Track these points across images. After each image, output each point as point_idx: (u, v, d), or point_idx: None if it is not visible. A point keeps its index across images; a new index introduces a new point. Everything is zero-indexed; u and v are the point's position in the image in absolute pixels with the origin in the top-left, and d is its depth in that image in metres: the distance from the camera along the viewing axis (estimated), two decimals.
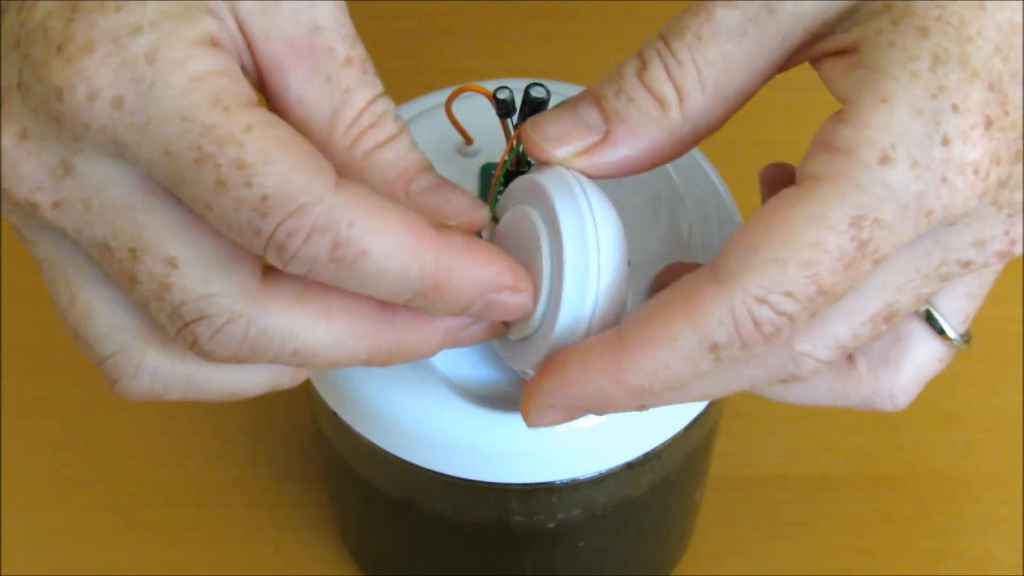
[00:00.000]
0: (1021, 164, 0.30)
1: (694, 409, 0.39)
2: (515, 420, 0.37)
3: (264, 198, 0.29)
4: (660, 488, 0.42)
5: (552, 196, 0.33)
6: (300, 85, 0.32)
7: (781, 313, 0.30)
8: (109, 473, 0.53)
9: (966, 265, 0.32)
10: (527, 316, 0.33)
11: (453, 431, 0.37)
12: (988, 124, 0.29)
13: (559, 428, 0.37)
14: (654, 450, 0.39)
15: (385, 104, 0.33)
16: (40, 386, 0.54)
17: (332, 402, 0.39)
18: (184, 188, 0.30)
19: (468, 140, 0.39)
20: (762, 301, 0.30)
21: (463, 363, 0.37)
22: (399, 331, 0.33)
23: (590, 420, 0.37)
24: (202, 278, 0.31)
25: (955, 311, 0.35)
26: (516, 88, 0.36)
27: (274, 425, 0.54)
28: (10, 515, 0.52)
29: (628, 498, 0.41)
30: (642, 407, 0.33)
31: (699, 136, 0.33)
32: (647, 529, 0.45)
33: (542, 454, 0.37)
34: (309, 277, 0.31)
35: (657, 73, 0.32)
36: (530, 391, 0.33)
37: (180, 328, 0.31)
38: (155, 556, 0.51)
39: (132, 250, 0.31)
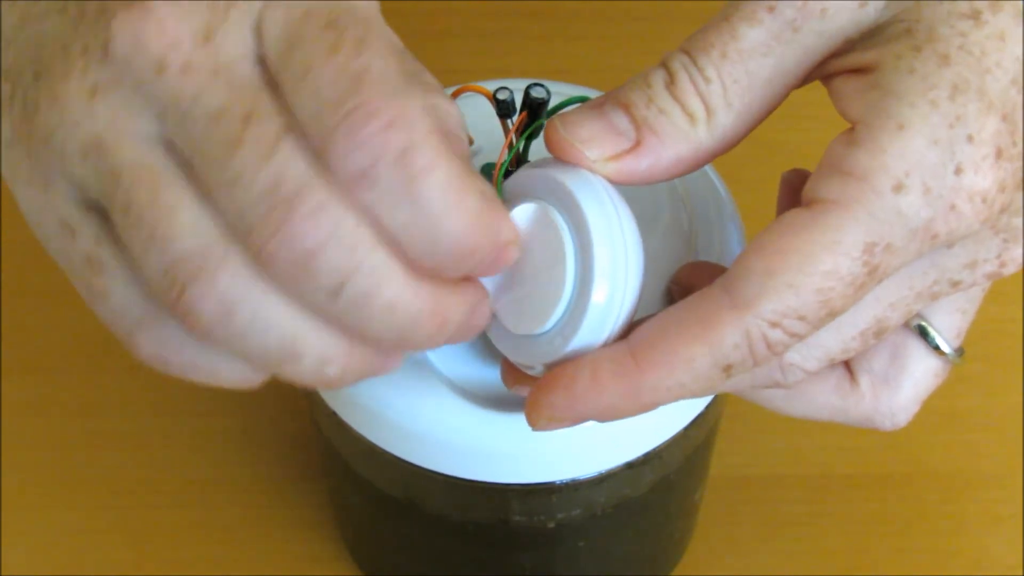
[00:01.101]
0: (1022, 191, 0.31)
1: (694, 409, 0.39)
2: (515, 420, 0.37)
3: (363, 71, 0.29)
4: (660, 488, 0.42)
5: (581, 200, 0.33)
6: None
7: (793, 335, 0.31)
8: (109, 473, 0.53)
9: (955, 285, 0.32)
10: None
11: (453, 431, 0.37)
12: (999, 154, 0.30)
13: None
14: (654, 450, 0.39)
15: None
16: (40, 386, 0.54)
17: (332, 402, 0.39)
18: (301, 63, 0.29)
19: (469, 140, 0.39)
20: (775, 325, 0.31)
21: (463, 363, 0.37)
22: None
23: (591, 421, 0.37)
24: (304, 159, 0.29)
25: (948, 326, 0.35)
26: (516, 88, 0.36)
27: (274, 425, 0.54)
28: (10, 515, 0.52)
29: (628, 498, 0.41)
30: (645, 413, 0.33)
31: (720, 151, 0.33)
32: (647, 529, 0.45)
33: (542, 454, 0.37)
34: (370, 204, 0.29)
35: (686, 87, 0.32)
36: (538, 402, 0.33)
37: (270, 209, 0.29)
38: (155, 556, 0.51)
39: (247, 115, 0.29)
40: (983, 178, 0.30)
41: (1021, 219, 0.32)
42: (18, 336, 0.55)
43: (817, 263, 0.30)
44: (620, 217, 0.33)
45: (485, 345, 0.37)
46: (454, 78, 0.41)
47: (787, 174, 0.36)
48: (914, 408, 0.36)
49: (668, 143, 0.33)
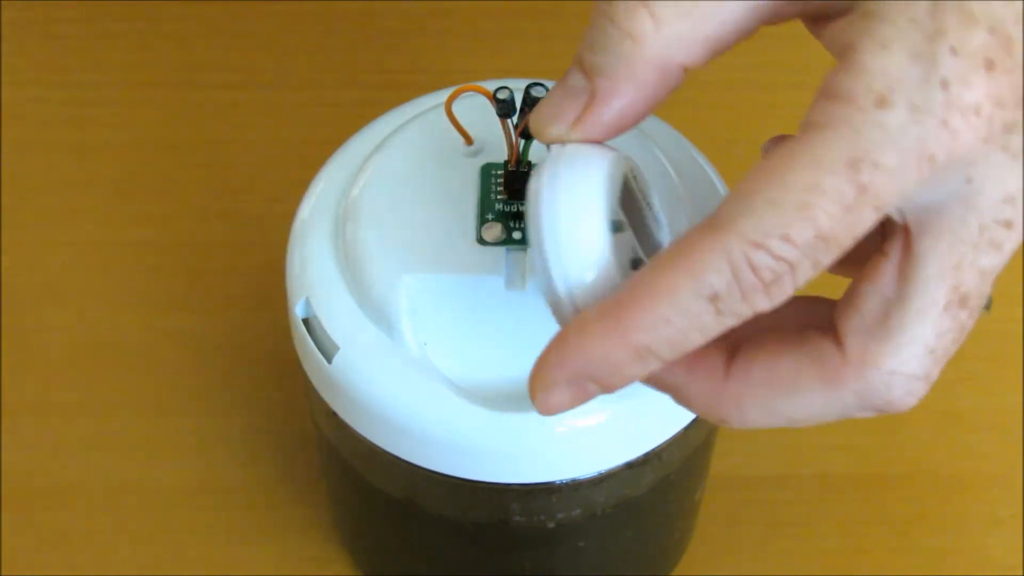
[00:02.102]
0: None
1: None
2: (515, 420, 0.37)
3: None
4: (660, 488, 0.42)
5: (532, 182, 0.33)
6: None
7: (779, 258, 0.29)
8: (109, 473, 0.53)
9: (1008, 225, 0.31)
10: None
11: (453, 431, 0.37)
12: (989, 66, 0.29)
13: (559, 428, 0.37)
14: (654, 450, 0.39)
15: None
16: (40, 386, 0.54)
17: (332, 402, 0.39)
18: None
19: (468, 140, 0.39)
20: (759, 246, 0.29)
21: (463, 363, 0.37)
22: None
23: (591, 418, 0.37)
24: None
25: None
26: (516, 88, 0.37)
27: (274, 425, 0.54)
28: (10, 515, 0.52)
29: (628, 498, 0.41)
30: (650, 374, 0.32)
31: (691, 60, 0.32)
32: (647, 529, 0.45)
33: (542, 454, 0.37)
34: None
35: (627, 6, 0.31)
36: (533, 371, 0.32)
37: None
38: (155, 556, 0.51)
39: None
40: (972, 91, 0.29)
41: None
42: (18, 336, 0.55)
43: (798, 179, 0.29)
44: (552, 186, 0.32)
45: (486, 345, 0.37)
46: (454, 78, 0.41)
47: (767, 143, 0.34)
48: (922, 368, 0.32)
49: (619, 78, 0.32)
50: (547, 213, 0.32)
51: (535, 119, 0.34)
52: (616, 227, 0.33)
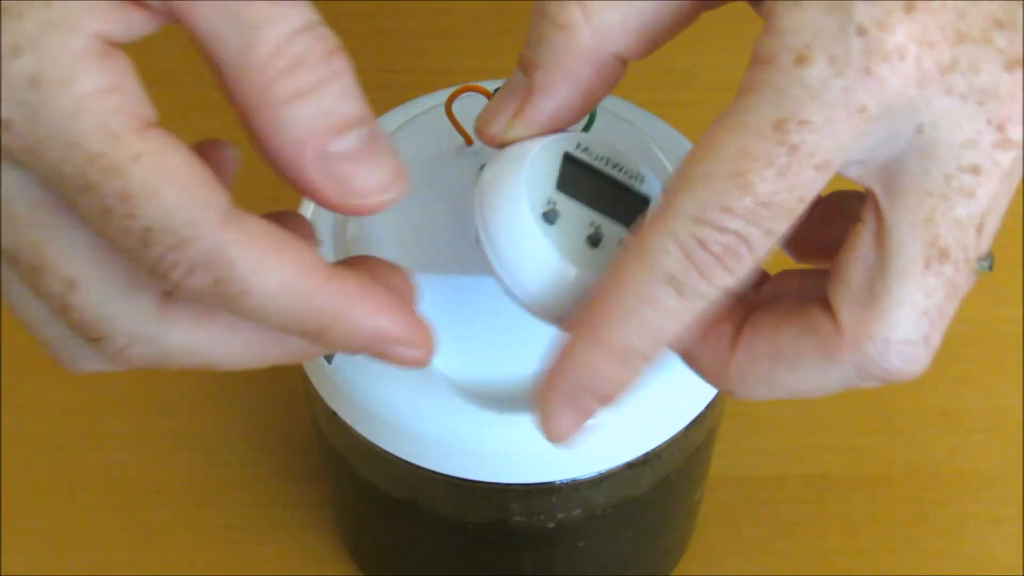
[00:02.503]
0: (970, 45, 0.29)
1: (694, 409, 0.39)
2: (515, 420, 0.37)
3: (148, 230, 0.29)
4: (660, 488, 0.42)
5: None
6: (207, 23, 0.29)
7: (724, 230, 0.29)
8: (109, 473, 0.53)
9: (975, 171, 0.30)
10: (415, 364, 0.32)
11: (453, 431, 0.37)
12: (909, 8, 0.29)
13: None
14: (654, 450, 0.39)
15: (307, 42, 0.29)
16: (40, 386, 0.54)
17: (332, 402, 0.39)
18: (76, 209, 0.29)
19: (468, 140, 0.39)
20: (700, 221, 0.29)
21: (464, 363, 0.37)
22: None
23: (591, 419, 0.37)
24: (101, 300, 0.31)
25: None
26: None
27: (274, 425, 0.54)
28: (10, 515, 0.52)
29: (628, 498, 0.41)
30: (637, 374, 0.31)
31: (622, 49, 0.32)
32: (647, 529, 0.45)
33: (542, 454, 0.37)
34: (197, 303, 0.30)
35: (560, 2, 0.31)
36: (533, 403, 0.32)
37: (86, 340, 0.31)
38: (155, 556, 0.51)
39: (34, 267, 0.30)
40: (892, 33, 0.28)
41: (986, 75, 0.29)
42: (18, 336, 0.55)
43: (726, 146, 0.29)
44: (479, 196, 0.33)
45: (486, 345, 0.37)
46: (454, 78, 0.41)
47: None
48: (917, 332, 0.32)
49: (553, 68, 0.32)
50: (482, 223, 0.32)
51: (478, 121, 0.33)
52: (550, 217, 0.32)
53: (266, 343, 0.32)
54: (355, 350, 0.32)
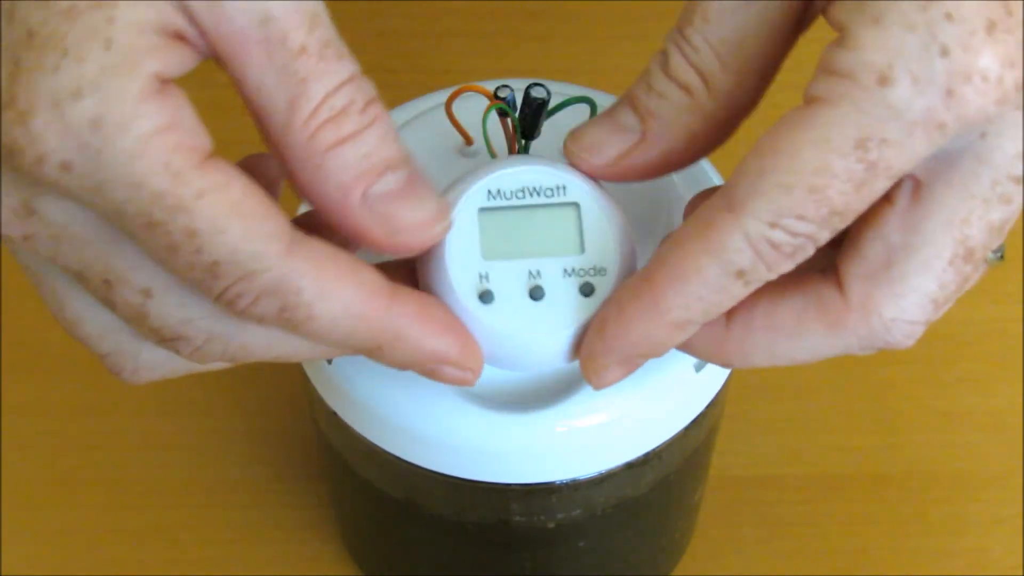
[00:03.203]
0: None
1: (694, 409, 0.39)
2: (515, 420, 0.37)
3: (215, 264, 0.29)
4: (660, 488, 0.42)
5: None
6: (256, 74, 0.30)
7: (796, 234, 0.30)
8: (109, 473, 0.53)
9: (1019, 180, 0.31)
10: (462, 383, 0.34)
11: (453, 431, 0.37)
12: (991, 28, 0.29)
13: (559, 428, 0.37)
14: (654, 450, 0.39)
15: (351, 95, 0.31)
16: (40, 386, 0.54)
17: (332, 402, 0.39)
18: (139, 244, 0.30)
19: (468, 140, 0.39)
20: (775, 225, 0.30)
21: None
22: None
23: (591, 418, 0.37)
24: (178, 303, 0.31)
25: None
26: (516, 88, 0.36)
27: (274, 425, 0.54)
28: (10, 515, 0.52)
29: (628, 498, 0.41)
30: (689, 336, 0.33)
31: (737, 114, 0.33)
32: (647, 529, 0.45)
33: (542, 454, 0.37)
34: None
35: (678, 62, 0.32)
36: (583, 358, 0.34)
37: (161, 342, 0.32)
38: (155, 556, 0.51)
39: (106, 281, 0.31)
40: (976, 56, 0.29)
41: None
42: (18, 336, 0.55)
43: (807, 161, 0.30)
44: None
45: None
46: (454, 78, 0.41)
47: (694, 199, 0.35)
48: (923, 315, 0.33)
49: (674, 123, 0.33)
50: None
51: (576, 143, 0.34)
52: (486, 298, 0.34)
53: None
54: (410, 368, 0.33)
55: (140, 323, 0.31)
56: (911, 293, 0.32)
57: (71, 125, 0.28)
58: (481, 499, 0.40)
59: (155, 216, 0.29)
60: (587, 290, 0.34)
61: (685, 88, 0.32)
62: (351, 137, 0.31)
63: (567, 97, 0.37)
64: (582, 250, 0.34)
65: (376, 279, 0.32)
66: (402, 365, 0.33)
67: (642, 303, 0.32)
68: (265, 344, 0.32)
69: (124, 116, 0.28)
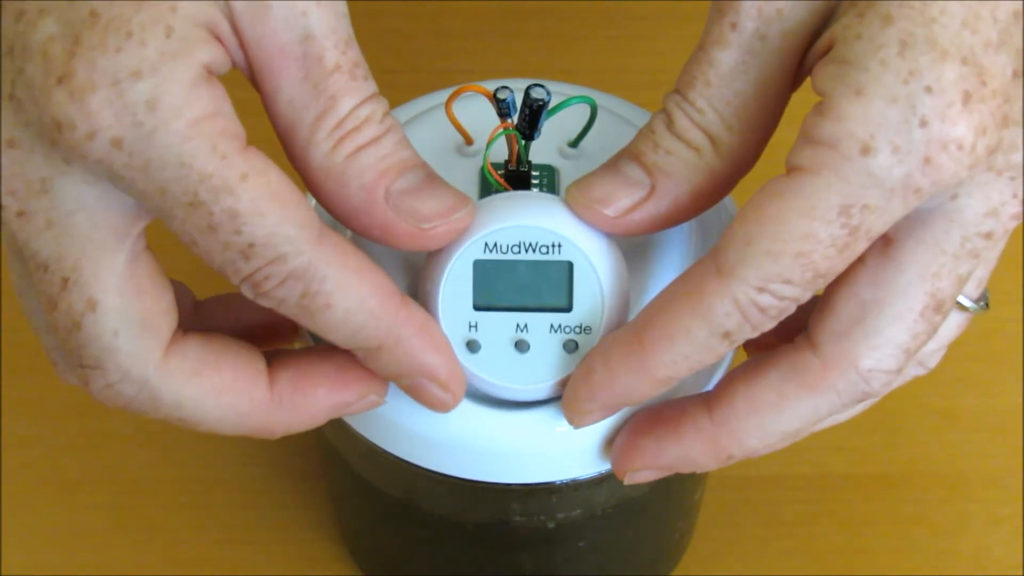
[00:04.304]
0: (1012, 127, 0.31)
1: None
2: (515, 420, 0.37)
3: (251, 245, 0.31)
4: (660, 488, 0.41)
5: None
6: (289, 88, 0.32)
7: (783, 298, 0.32)
8: (109, 473, 0.53)
9: (988, 236, 0.32)
10: (440, 406, 0.35)
11: (453, 431, 0.37)
12: (966, 99, 0.30)
13: (559, 428, 0.37)
14: None
15: (372, 107, 0.33)
16: (40, 386, 0.54)
17: None
18: (173, 223, 0.31)
19: (468, 140, 0.39)
20: (762, 290, 0.31)
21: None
22: (285, 412, 0.35)
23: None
24: (112, 330, 0.32)
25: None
26: (516, 88, 0.36)
27: None
28: (10, 515, 0.52)
29: (628, 498, 0.41)
30: (654, 470, 0.36)
31: (741, 171, 0.34)
32: (647, 529, 0.45)
33: (542, 454, 0.37)
34: (274, 310, 0.32)
35: (684, 123, 0.33)
36: (566, 400, 0.35)
37: (75, 366, 0.33)
38: (155, 556, 0.51)
39: (64, 279, 0.31)
40: (953, 126, 0.30)
41: (1021, 152, 0.31)
42: (18, 336, 0.55)
43: (794, 229, 0.31)
44: None
45: None
46: (454, 78, 0.41)
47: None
48: (940, 353, 0.36)
49: (682, 179, 0.34)
50: None
51: (582, 194, 0.35)
52: (473, 347, 0.35)
53: (243, 413, 0.34)
54: (398, 376, 0.34)
55: (68, 335, 0.32)
56: (885, 345, 0.33)
57: (128, 104, 0.29)
58: (481, 499, 0.40)
59: (200, 196, 0.30)
60: (570, 347, 0.35)
61: (693, 147, 0.34)
62: (371, 143, 0.33)
63: (567, 97, 0.38)
64: (570, 308, 0.35)
65: (390, 283, 0.33)
66: (393, 372, 0.34)
67: (630, 360, 0.33)
68: (180, 401, 0.33)
69: (178, 100, 0.30)
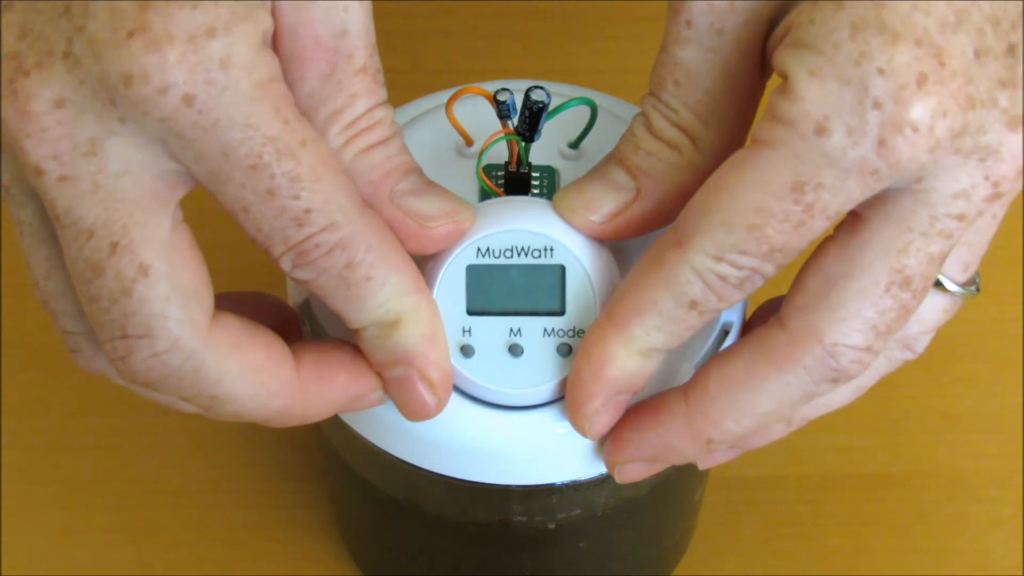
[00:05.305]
0: (979, 109, 0.31)
1: None
2: (516, 421, 0.37)
3: (307, 211, 0.31)
4: (660, 489, 0.42)
5: None
6: (312, 81, 0.32)
7: (741, 267, 0.32)
8: (109, 473, 0.53)
9: (960, 218, 0.32)
10: (420, 411, 0.35)
11: (453, 432, 0.37)
12: (921, 81, 0.30)
13: (559, 429, 0.37)
14: None
15: (384, 112, 0.34)
16: (40, 386, 0.54)
17: None
18: (228, 187, 0.31)
19: (468, 141, 0.39)
20: (719, 259, 0.32)
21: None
22: (306, 397, 0.35)
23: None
24: (164, 296, 0.31)
25: (951, 261, 0.35)
26: (516, 89, 0.37)
27: None
28: (10, 515, 0.52)
29: (628, 499, 0.41)
30: (645, 467, 0.36)
31: (722, 163, 0.34)
32: (647, 530, 0.45)
33: (543, 455, 0.37)
34: (308, 286, 0.32)
35: (661, 123, 0.34)
36: (569, 412, 0.35)
37: (116, 338, 0.32)
38: (155, 556, 0.51)
39: (114, 244, 0.31)
40: (906, 108, 0.30)
41: (992, 135, 0.31)
42: (18, 336, 0.55)
43: (747, 202, 0.31)
44: None
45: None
46: (454, 78, 0.41)
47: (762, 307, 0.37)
48: (927, 338, 0.35)
49: (666, 179, 0.34)
50: None
51: (568, 201, 0.35)
52: (467, 352, 0.35)
53: (273, 393, 0.34)
54: (392, 363, 0.34)
55: (114, 303, 0.31)
56: (850, 319, 0.33)
57: (203, 60, 0.29)
58: (481, 500, 0.40)
59: (264, 159, 0.30)
60: (564, 351, 0.35)
61: (673, 146, 0.34)
62: (379, 143, 0.33)
63: (567, 98, 0.38)
64: (563, 311, 0.35)
65: (416, 267, 0.34)
66: (395, 356, 0.34)
67: (607, 340, 0.34)
68: (221, 374, 0.33)
69: (248, 60, 0.30)
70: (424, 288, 0.34)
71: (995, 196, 0.32)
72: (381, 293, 0.33)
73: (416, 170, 0.34)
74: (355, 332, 0.34)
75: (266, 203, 0.31)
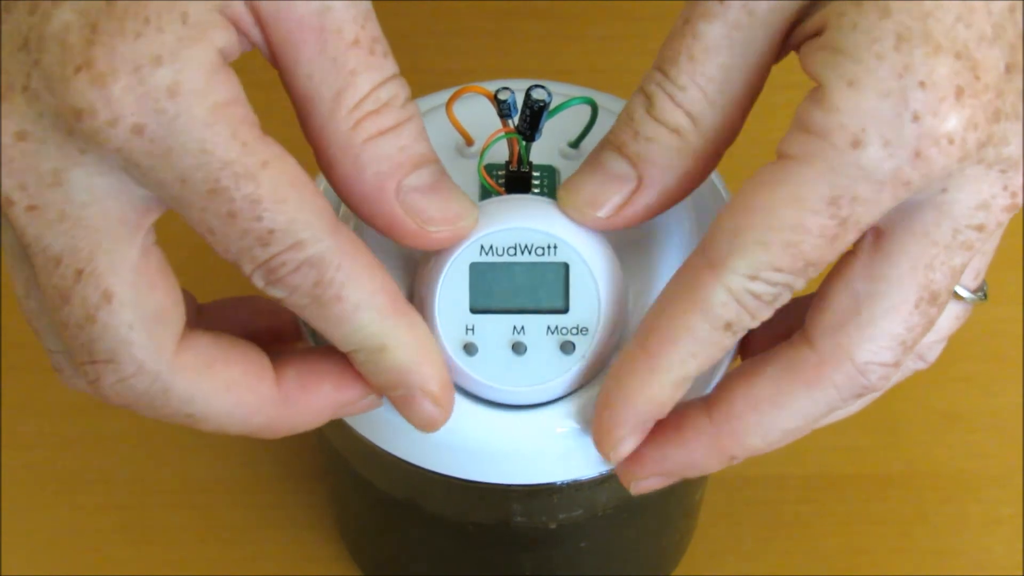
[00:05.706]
0: (1004, 122, 0.31)
1: None
2: (516, 421, 0.37)
3: (270, 232, 0.31)
4: (661, 489, 0.41)
5: None
6: (308, 63, 0.32)
7: (776, 284, 0.32)
8: (109, 473, 0.53)
9: (980, 228, 0.32)
10: (428, 424, 0.35)
11: (454, 432, 0.37)
12: (959, 94, 0.30)
13: (560, 429, 0.37)
14: None
15: (393, 90, 0.33)
16: (40, 386, 0.54)
17: None
18: (191, 211, 0.31)
19: (468, 140, 0.39)
20: (755, 278, 0.32)
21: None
22: (290, 409, 0.34)
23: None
24: (127, 323, 0.32)
25: (966, 269, 0.35)
26: (517, 89, 0.37)
27: None
28: (10, 515, 0.52)
29: (629, 499, 0.41)
30: (661, 478, 0.36)
31: (724, 147, 0.34)
32: (648, 530, 0.45)
33: (544, 455, 0.37)
34: (283, 303, 0.32)
35: (664, 104, 0.33)
36: (596, 437, 0.35)
37: (86, 363, 0.32)
38: (155, 556, 0.51)
39: (79, 271, 0.31)
40: (944, 121, 0.30)
41: (1013, 147, 0.31)
42: (18, 336, 0.55)
43: (783, 219, 0.31)
44: None
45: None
46: (454, 78, 0.41)
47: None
48: (940, 345, 0.36)
49: (668, 165, 0.34)
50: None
51: (571, 198, 0.35)
52: (470, 350, 0.35)
53: (251, 410, 0.34)
54: (390, 386, 0.34)
55: (81, 329, 0.32)
56: (880, 337, 0.33)
57: (150, 90, 0.29)
58: (482, 500, 0.40)
59: (221, 183, 0.30)
60: (568, 349, 0.35)
61: (674, 130, 0.33)
62: (390, 130, 0.32)
63: (568, 98, 0.37)
64: (567, 309, 0.35)
65: (395, 285, 0.33)
66: (390, 380, 0.34)
67: (640, 371, 0.33)
68: (191, 395, 0.33)
69: (199, 85, 0.30)
70: (403, 307, 0.33)
71: (1013, 207, 0.32)
72: (357, 316, 0.32)
73: (430, 161, 0.33)
74: (349, 356, 0.34)
75: (229, 226, 0.31)
